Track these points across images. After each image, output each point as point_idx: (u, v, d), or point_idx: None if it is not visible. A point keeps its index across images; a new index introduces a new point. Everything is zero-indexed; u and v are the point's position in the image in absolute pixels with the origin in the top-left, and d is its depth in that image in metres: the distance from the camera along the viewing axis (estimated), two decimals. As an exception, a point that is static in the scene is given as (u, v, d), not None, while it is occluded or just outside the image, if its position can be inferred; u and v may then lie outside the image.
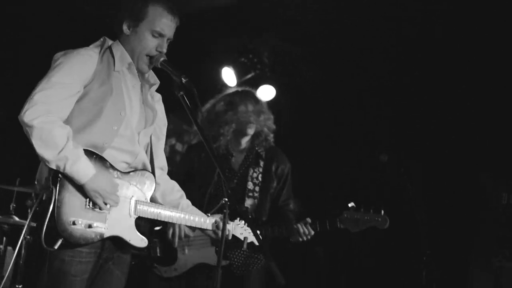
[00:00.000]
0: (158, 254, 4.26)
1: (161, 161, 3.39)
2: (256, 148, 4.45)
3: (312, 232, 4.11)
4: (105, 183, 2.91)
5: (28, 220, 2.83)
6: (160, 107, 3.37)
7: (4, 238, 4.37)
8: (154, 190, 3.24)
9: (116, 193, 2.96)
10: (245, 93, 4.57)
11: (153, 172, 3.22)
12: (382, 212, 4.04)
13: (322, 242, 5.61)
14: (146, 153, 3.24)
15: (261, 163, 4.43)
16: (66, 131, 2.84)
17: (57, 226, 2.77)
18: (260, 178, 4.40)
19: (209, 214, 3.40)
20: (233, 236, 3.43)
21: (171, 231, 3.58)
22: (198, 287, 4.27)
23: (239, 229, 3.46)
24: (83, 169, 2.83)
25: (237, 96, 4.54)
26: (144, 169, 3.17)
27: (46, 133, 2.78)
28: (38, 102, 2.82)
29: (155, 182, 3.22)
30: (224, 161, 4.40)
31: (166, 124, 3.42)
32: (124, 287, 3.19)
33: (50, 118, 2.82)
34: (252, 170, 4.41)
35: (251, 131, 4.42)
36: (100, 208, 2.90)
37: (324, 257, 6.80)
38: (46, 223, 2.76)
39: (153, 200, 3.26)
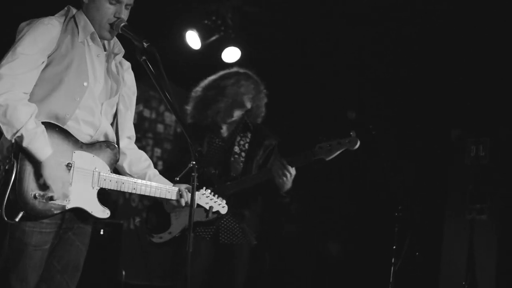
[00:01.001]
0: (154, 225, 4.32)
1: (129, 131, 3.36)
2: (246, 120, 4.46)
3: (289, 168, 4.09)
4: (57, 169, 2.88)
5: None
6: (129, 76, 3.33)
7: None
8: (121, 161, 3.23)
9: (67, 182, 2.92)
10: (247, 73, 4.56)
11: (118, 143, 3.19)
12: (352, 133, 4.06)
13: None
14: (112, 123, 3.21)
15: (249, 135, 4.44)
16: (30, 110, 2.82)
17: (18, 199, 2.75)
18: (246, 146, 4.41)
19: (177, 178, 3.41)
20: (198, 205, 3.41)
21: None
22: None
23: (204, 198, 3.45)
24: (40, 148, 2.81)
25: (241, 73, 4.53)
26: (107, 140, 3.14)
27: (10, 111, 2.77)
28: (3, 76, 2.81)
29: (120, 153, 3.19)
30: (191, 127, 4.41)
31: (136, 93, 3.38)
32: (85, 257, 3.17)
33: (14, 96, 2.80)
34: (239, 137, 4.42)
35: (248, 105, 4.43)
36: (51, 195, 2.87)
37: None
38: (7, 196, 2.74)
39: (120, 170, 3.24)
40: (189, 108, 4.53)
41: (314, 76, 6.69)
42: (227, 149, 4.40)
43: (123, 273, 6.37)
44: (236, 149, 4.40)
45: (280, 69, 6.57)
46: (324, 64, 6.60)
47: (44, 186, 2.83)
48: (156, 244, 4.33)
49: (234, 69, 4.58)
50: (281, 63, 6.65)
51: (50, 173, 2.83)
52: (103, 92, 3.13)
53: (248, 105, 4.45)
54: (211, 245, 4.26)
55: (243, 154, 4.41)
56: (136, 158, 3.36)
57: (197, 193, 3.34)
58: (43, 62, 2.93)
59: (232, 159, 4.37)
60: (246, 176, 4.28)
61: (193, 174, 2.97)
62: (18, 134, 2.76)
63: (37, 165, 2.82)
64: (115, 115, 3.23)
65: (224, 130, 4.46)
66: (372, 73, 6.50)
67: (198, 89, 4.57)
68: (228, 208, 3.59)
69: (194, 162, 2.96)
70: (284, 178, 4.10)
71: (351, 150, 4.07)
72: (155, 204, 4.24)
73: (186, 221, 3.74)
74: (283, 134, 4.61)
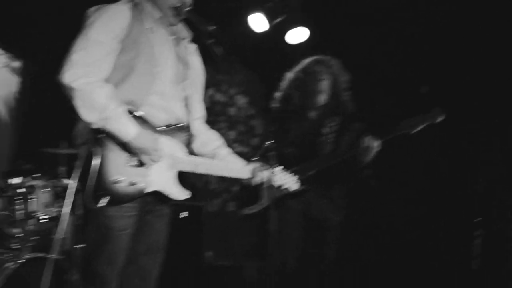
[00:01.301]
0: (246, 198, 4.43)
1: (199, 112, 3.42)
2: (334, 104, 4.55)
3: (374, 143, 4.15)
4: (148, 140, 2.95)
5: (74, 181, 2.91)
6: (196, 59, 3.39)
7: (58, 200, 4.50)
8: (193, 142, 3.30)
9: (158, 149, 3.00)
10: (331, 59, 4.63)
11: (191, 124, 3.27)
12: (435, 108, 4.09)
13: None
14: (184, 106, 3.27)
15: (336, 118, 4.51)
16: (107, 91, 2.87)
17: (100, 185, 2.85)
18: (334, 129, 4.49)
19: (255, 158, 3.47)
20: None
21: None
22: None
23: (275, 175, 3.46)
24: (126, 127, 2.87)
25: (326, 59, 4.60)
26: (181, 123, 3.20)
27: (88, 95, 2.81)
28: (77, 62, 2.85)
29: (193, 135, 3.27)
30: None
31: (204, 75, 3.44)
32: (167, 238, 3.27)
33: (90, 80, 2.85)
34: (327, 120, 4.50)
35: (335, 89, 4.53)
36: (143, 164, 2.97)
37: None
38: (89, 183, 2.83)
39: (192, 152, 3.31)
40: (279, 92, 4.64)
41: (386, 52, 6.60)
42: (315, 131, 4.48)
43: (207, 254, 6.49)
44: (324, 130, 4.48)
45: (347, 49, 6.53)
46: (395, 36, 6.51)
47: (127, 168, 2.92)
48: (246, 215, 4.45)
49: (320, 56, 4.64)
50: (347, 43, 6.59)
51: (137, 150, 2.92)
52: (173, 76, 3.19)
53: (335, 89, 4.52)
54: (301, 220, 4.35)
55: (331, 136, 4.47)
56: (208, 138, 3.42)
57: (270, 170, 3.39)
58: (115, 49, 2.98)
59: (320, 140, 4.44)
60: (330, 153, 4.36)
61: (269, 154, 3.02)
62: (103, 116, 2.82)
63: (120, 147, 2.91)
64: (186, 98, 3.29)
65: (313, 113, 4.54)
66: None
67: (287, 74, 4.67)
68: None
69: (269, 142, 3.00)
70: (369, 154, 4.17)
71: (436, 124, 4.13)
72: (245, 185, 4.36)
73: (277, 192, 3.77)
74: (368, 114, 4.64)
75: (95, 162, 2.84)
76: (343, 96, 4.56)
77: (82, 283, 3.66)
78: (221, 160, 3.35)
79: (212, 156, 3.36)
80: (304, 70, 4.57)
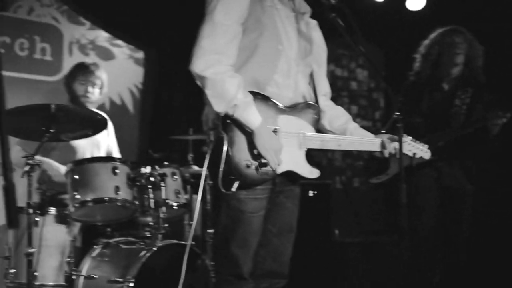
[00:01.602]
0: (374, 169, 4.58)
1: (324, 88, 3.35)
2: (467, 76, 4.53)
3: (505, 115, 4.16)
4: (270, 138, 2.92)
5: (204, 167, 2.93)
6: (317, 34, 3.32)
7: (188, 187, 4.58)
8: (321, 119, 3.24)
9: (279, 149, 2.95)
10: (462, 30, 4.60)
11: (317, 101, 3.20)
12: None
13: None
14: (309, 83, 3.22)
15: (469, 89, 4.50)
16: (237, 81, 2.87)
17: (231, 170, 2.85)
18: (467, 100, 4.48)
19: (383, 131, 3.40)
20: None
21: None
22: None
23: (406, 145, 3.37)
24: (252, 117, 2.86)
25: (457, 30, 4.58)
26: (307, 100, 3.15)
27: (219, 84, 2.83)
28: (206, 50, 2.86)
29: (321, 111, 3.21)
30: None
31: (326, 50, 3.37)
32: (297, 218, 3.24)
33: (221, 68, 2.86)
34: (460, 92, 4.49)
35: (468, 60, 4.52)
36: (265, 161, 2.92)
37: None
38: (221, 168, 2.84)
39: (321, 129, 3.26)
40: (414, 62, 4.64)
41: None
42: (447, 102, 4.48)
43: (336, 232, 6.46)
44: (457, 102, 4.47)
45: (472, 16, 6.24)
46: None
47: (257, 155, 2.89)
48: (374, 185, 4.57)
49: (451, 26, 4.60)
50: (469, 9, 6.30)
51: (262, 142, 2.88)
52: (297, 53, 3.13)
53: (469, 61, 4.50)
54: (435, 188, 4.39)
55: (464, 107, 4.46)
56: (335, 114, 3.35)
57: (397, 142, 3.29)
58: (240, 32, 2.96)
59: (453, 111, 4.44)
60: (461, 124, 4.37)
61: (398, 125, 2.96)
62: (231, 105, 2.82)
63: (248, 135, 2.89)
64: (311, 75, 3.24)
65: (445, 85, 4.53)
66: None
67: (421, 48, 4.66)
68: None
69: (398, 113, 2.94)
70: (498, 125, 4.19)
71: None
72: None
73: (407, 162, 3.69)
74: (498, 85, 4.54)
75: (225, 147, 2.85)
76: (477, 68, 4.51)
77: (215, 267, 3.73)
78: (350, 134, 3.28)
79: (341, 132, 3.30)
80: (441, 41, 4.55)
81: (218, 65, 2.85)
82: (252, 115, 2.86)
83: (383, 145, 3.28)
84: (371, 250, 6.18)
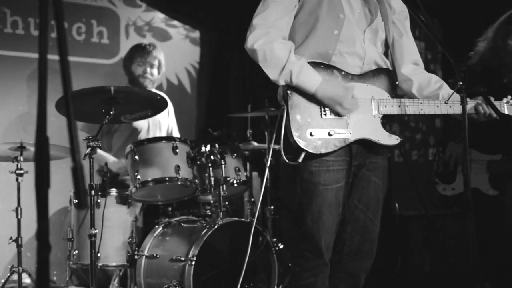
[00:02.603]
0: (441, 170, 4.35)
1: (411, 56, 3.21)
2: None
3: None
4: (336, 88, 2.86)
5: (267, 143, 2.93)
6: (396, 1, 3.18)
7: (248, 164, 4.59)
8: (409, 87, 3.15)
9: (351, 95, 2.88)
10: None
11: (397, 70, 3.13)
12: None
13: None
14: (386, 52, 3.13)
15: None
16: (286, 46, 2.86)
17: (295, 140, 2.82)
18: None
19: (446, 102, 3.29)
20: (504, 114, 3.17)
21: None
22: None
23: (509, 106, 3.19)
24: (309, 78, 2.82)
25: None
26: (380, 67, 3.06)
27: (268, 53, 2.83)
28: (257, 26, 2.88)
29: (407, 80, 3.13)
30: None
31: (408, 17, 3.23)
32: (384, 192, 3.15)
33: (270, 38, 2.85)
34: None
35: None
36: (338, 114, 2.88)
37: None
38: (284, 139, 2.83)
39: (411, 97, 3.15)
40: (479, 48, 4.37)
41: None
42: None
43: (396, 205, 6.41)
44: None
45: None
46: None
47: (322, 119, 2.86)
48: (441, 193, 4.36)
49: None
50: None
51: (327, 94, 2.84)
52: (361, 20, 3.04)
53: None
54: None
55: None
56: (425, 82, 3.19)
57: (501, 102, 3.18)
58: (295, 6, 2.94)
59: None
60: None
61: (461, 95, 2.88)
62: (285, 71, 2.81)
63: (310, 99, 2.86)
64: (391, 44, 3.14)
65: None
66: None
67: (488, 34, 4.40)
68: None
69: (461, 83, 2.86)
70: None
71: None
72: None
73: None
74: None
75: (288, 119, 2.83)
76: None
77: (293, 241, 3.72)
78: (435, 99, 3.12)
79: (434, 98, 3.14)
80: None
81: (267, 36, 2.85)
82: (309, 75, 2.83)
83: (476, 108, 3.11)
84: (432, 222, 6.11)
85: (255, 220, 3.31)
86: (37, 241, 1.29)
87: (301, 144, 2.82)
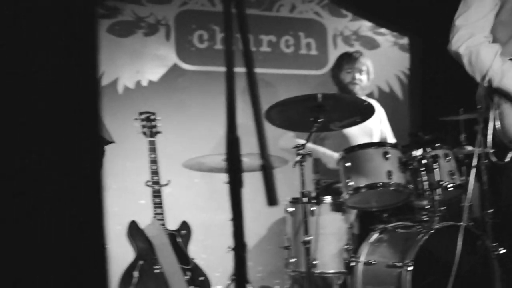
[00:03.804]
0: None
1: None
2: None
3: None
4: None
5: (476, 145, 2.86)
6: None
7: (463, 168, 4.43)
8: None
9: None
10: None
11: None
12: None
13: None
14: None
15: None
16: (493, 50, 2.83)
17: (504, 140, 2.82)
18: None
19: None
20: None
21: None
22: None
23: None
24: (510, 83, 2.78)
25: None
26: None
27: (474, 56, 2.83)
28: (460, 27, 2.89)
29: None
30: None
31: None
32: None
33: (474, 41, 2.84)
34: None
35: None
36: None
37: None
38: (491, 140, 2.83)
39: None
40: None
41: None
42: None
43: None
44: None
45: None
46: None
47: None
48: None
49: None
50: None
51: None
52: None
53: None
54: None
55: None
56: None
57: None
58: (496, 5, 2.91)
59: None
60: None
61: None
62: (488, 76, 2.79)
63: None
64: None
65: None
66: None
67: None
68: None
69: None
70: None
71: None
72: None
73: None
74: None
75: (492, 117, 2.85)
76: None
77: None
78: None
79: None
80: None
81: (471, 39, 2.85)
82: (509, 82, 2.80)
83: None
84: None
85: (463, 223, 3.21)
86: (233, 240, 1.34)
87: (508, 142, 2.85)
